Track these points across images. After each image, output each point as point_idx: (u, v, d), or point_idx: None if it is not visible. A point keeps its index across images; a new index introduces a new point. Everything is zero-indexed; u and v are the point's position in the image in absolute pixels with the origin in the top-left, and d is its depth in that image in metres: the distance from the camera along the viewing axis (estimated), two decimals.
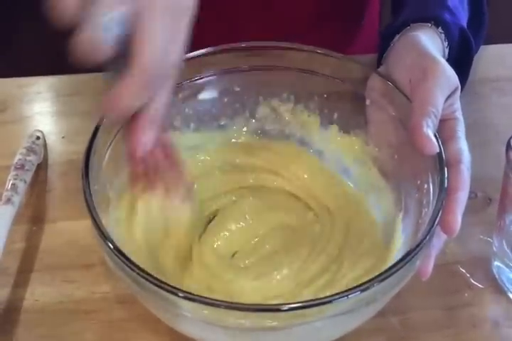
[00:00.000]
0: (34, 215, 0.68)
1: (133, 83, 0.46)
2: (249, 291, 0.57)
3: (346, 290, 0.46)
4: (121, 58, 0.45)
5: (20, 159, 0.68)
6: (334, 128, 0.67)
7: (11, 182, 0.65)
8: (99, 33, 0.43)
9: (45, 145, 0.74)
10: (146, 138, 0.49)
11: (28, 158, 0.69)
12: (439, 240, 0.54)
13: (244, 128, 0.68)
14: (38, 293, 0.62)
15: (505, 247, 0.61)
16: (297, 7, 0.87)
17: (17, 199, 0.64)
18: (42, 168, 0.72)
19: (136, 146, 0.49)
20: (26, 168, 0.67)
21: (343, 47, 0.67)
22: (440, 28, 0.65)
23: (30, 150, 0.70)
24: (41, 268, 0.63)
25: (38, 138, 0.72)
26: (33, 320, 0.60)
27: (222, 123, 0.68)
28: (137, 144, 0.49)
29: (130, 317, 0.59)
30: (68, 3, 0.43)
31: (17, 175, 0.66)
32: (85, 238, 0.63)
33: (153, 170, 0.55)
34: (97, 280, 0.62)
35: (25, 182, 0.66)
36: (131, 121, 0.49)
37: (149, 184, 0.56)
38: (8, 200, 0.63)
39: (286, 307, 0.45)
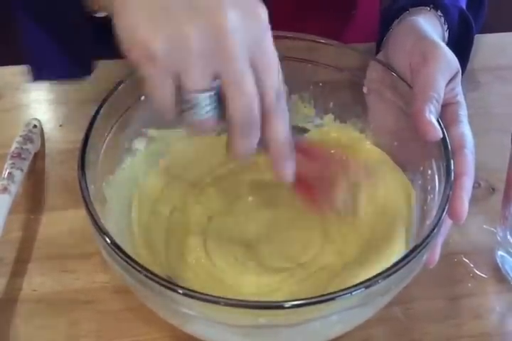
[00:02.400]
0: (31, 204, 0.67)
1: (235, 135, 0.47)
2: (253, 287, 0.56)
3: (357, 284, 0.46)
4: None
5: (16, 147, 0.67)
6: (330, 117, 0.66)
7: (7, 170, 0.64)
8: (197, 114, 0.46)
9: (42, 133, 0.73)
10: (288, 168, 0.51)
11: (24, 147, 0.68)
12: (444, 227, 0.53)
13: None
14: (36, 283, 0.61)
15: (510, 237, 0.60)
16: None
17: (14, 188, 0.63)
18: (39, 156, 0.71)
19: (286, 178, 0.51)
20: (23, 156, 0.67)
21: (333, 37, 0.67)
22: (439, 11, 0.65)
23: (27, 138, 0.69)
24: (39, 258, 0.63)
25: (34, 126, 0.71)
26: (30, 310, 0.59)
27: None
28: (285, 176, 0.51)
29: (129, 307, 0.59)
30: (166, 97, 0.45)
31: (14, 163, 0.65)
32: (83, 227, 0.61)
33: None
34: (96, 270, 0.61)
35: (22, 170, 0.65)
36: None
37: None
38: (5, 189, 0.62)
39: (289, 305, 0.45)
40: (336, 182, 0.60)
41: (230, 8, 0.44)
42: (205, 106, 0.46)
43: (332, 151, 0.62)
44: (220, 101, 0.46)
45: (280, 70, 0.48)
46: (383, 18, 0.68)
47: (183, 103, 0.46)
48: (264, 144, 0.49)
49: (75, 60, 0.71)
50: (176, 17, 0.44)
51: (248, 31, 0.45)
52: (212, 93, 0.46)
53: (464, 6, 0.69)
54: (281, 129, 0.49)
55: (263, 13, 0.47)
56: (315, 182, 0.58)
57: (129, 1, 0.45)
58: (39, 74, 0.75)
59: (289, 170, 0.51)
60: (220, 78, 0.45)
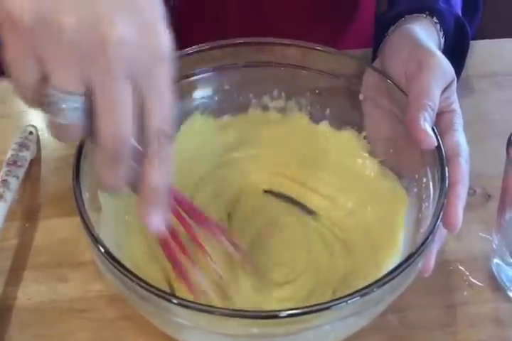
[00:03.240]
0: (27, 212, 0.67)
1: (100, 162, 0.43)
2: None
3: (352, 293, 0.46)
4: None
5: (12, 155, 0.67)
6: (325, 124, 0.66)
7: (2, 178, 0.64)
8: (62, 118, 0.40)
9: (38, 140, 0.72)
10: (156, 219, 0.45)
11: (20, 154, 0.68)
12: (439, 236, 0.53)
13: None
14: (31, 291, 0.61)
15: (505, 245, 0.60)
16: (286, 4, 0.86)
17: (9, 195, 0.63)
18: (35, 163, 0.71)
19: (151, 227, 0.45)
20: (19, 163, 0.66)
21: (334, 43, 0.67)
22: (435, 17, 0.65)
23: (22, 145, 0.69)
24: (34, 266, 0.62)
25: (30, 133, 0.71)
26: (25, 319, 0.59)
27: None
28: (153, 228, 0.45)
29: (125, 316, 0.59)
30: (27, 81, 0.40)
31: (9, 171, 0.65)
32: (79, 235, 0.61)
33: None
34: (92, 279, 0.61)
35: (17, 178, 0.65)
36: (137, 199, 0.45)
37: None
38: (0, 197, 0.62)
39: (284, 314, 0.45)
40: None
41: (127, 20, 0.39)
42: (64, 110, 0.40)
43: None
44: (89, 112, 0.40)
45: (171, 109, 0.42)
46: (379, 24, 0.68)
47: (44, 96, 0.40)
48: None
49: None
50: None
51: (142, 57, 0.40)
52: (77, 99, 0.40)
53: (460, 13, 0.69)
54: (158, 171, 0.43)
55: (165, 40, 0.41)
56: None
57: None
58: None
59: (158, 217, 0.45)
60: (91, 90, 0.40)
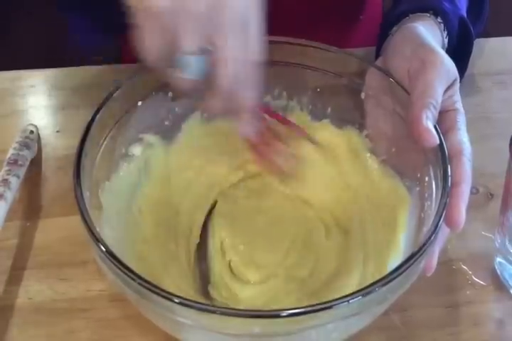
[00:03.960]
0: (28, 211, 0.67)
1: (215, 97, 0.52)
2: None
3: (354, 293, 0.45)
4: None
5: (13, 154, 0.67)
6: (327, 122, 0.66)
7: (3, 177, 0.64)
8: (185, 72, 0.50)
9: (38, 139, 0.72)
10: (250, 129, 0.57)
11: (21, 153, 0.67)
12: (442, 234, 0.53)
13: None
14: (32, 290, 0.61)
15: (508, 244, 0.60)
16: (295, 3, 0.86)
17: (10, 195, 0.62)
18: (36, 162, 0.71)
19: (246, 134, 0.57)
20: (20, 163, 0.66)
21: (342, 42, 0.67)
22: (439, 17, 0.65)
23: (23, 144, 0.69)
24: (35, 266, 0.62)
25: (31, 132, 0.71)
26: (26, 318, 0.59)
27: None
28: (245, 135, 0.57)
29: (126, 316, 0.59)
30: (153, 45, 0.49)
31: (10, 170, 0.65)
32: (80, 234, 0.61)
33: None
34: (92, 278, 0.61)
35: (18, 177, 0.65)
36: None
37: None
38: (1, 196, 0.62)
39: (285, 313, 0.44)
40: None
41: None
42: (193, 67, 0.50)
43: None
44: (206, 65, 0.50)
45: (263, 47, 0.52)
46: (383, 23, 0.68)
47: (171, 60, 0.49)
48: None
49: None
50: None
51: (244, 6, 0.50)
52: (202, 57, 0.49)
53: (465, 14, 0.69)
54: (252, 94, 0.54)
55: None
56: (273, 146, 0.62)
57: None
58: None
59: (251, 127, 0.56)
60: (211, 44, 0.49)
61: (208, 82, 0.51)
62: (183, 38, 0.49)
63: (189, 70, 0.50)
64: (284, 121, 0.64)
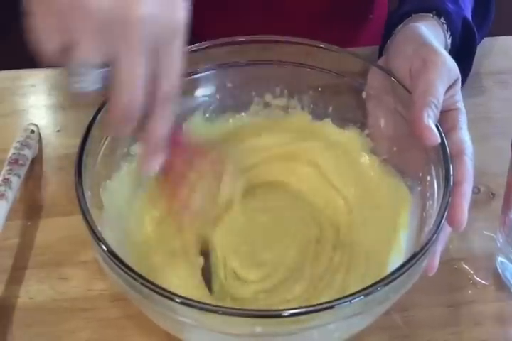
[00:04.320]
0: (29, 210, 0.67)
1: (111, 117, 0.47)
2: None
3: (356, 292, 0.45)
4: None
5: (14, 153, 0.67)
6: (328, 121, 0.66)
7: (4, 177, 0.64)
8: (76, 81, 0.45)
9: (39, 139, 0.72)
10: (154, 161, 0.51)
11: (22, 153, 0.67)
12: (444, 234, 0.53)
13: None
14: (33, 290, 0.60)
15: (510, 243, 0.60)
16: (304, 3, 0.86)
17: (11, 194, 0.62)
18: (37, 162, 0.71)
19: (147, 170, 0.52)
20: (20, 162, 0.66)
21: (350, 42, 0.67)
22: (442, 18, 0.65)
23: (24, 144, 0.69)
24: (36, 265, 0.62)
25: (32, 131, 0.71)
26: (27, 318, 0.59)
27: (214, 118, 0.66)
28: (148, 168, 0.52)
29: (127, 315, 0.58)
30: (50, 48, 0.44)
31: (11, 169, 0.65)
32: (81, 233, 0.61)
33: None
34: (94, 278, 0.61)
35: (19, 177, 0.65)
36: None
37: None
38: (2, 196, 0.62)
39: (287, 313, 0.44)
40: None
41: None
42: (85, 76, 0.45)
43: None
44: (105, 78, 0.46)
45: (180, 75, 0.48)
46: (387, 23, 0.68)
47: (70, 66, 0.45)
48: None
49: None
50: None
51: (162, 26, 0.45)
52: (97, 70, 0.45)
53: (470, 16, 0.69)
54: (162, 123, 0.49)
55: (181, 15, 0.46)
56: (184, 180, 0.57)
57: None
58: None
59: (156, 161, 0.51)
60: (112, 60, 0.44)
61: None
62: (79, 45, 0.43)
63: (83, 81, 0.45)
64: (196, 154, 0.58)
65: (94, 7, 0.42)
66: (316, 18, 0.88)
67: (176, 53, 0.47)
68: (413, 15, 0.65)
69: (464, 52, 0.68)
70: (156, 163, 0.51)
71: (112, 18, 0.42)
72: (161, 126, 0.49)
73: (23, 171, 0.66)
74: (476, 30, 0.69)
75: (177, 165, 0.55)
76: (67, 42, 0.43)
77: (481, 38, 0.75)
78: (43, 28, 0.43)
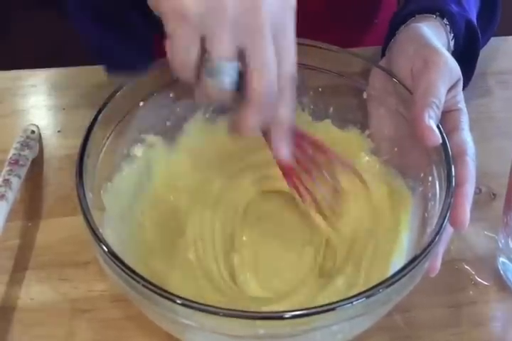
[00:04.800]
0: (29, 211, 0.66)
1: (249, 110, 0.49)
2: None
3: (358, 294, 0.45)
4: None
5: (14, 154, 0.67)
6: (328, 122, 0.66)
7: (4, 177, 0.64)
8: (218, 80, 0.47)
9: (40, 139, 0.72)
10: (284, 150, 0.53)
11: (22, 153, 0.67)
12: (446, 235, 0.53)
13: None
14: (34, 291, 0.60)
15: (511, 243, 0.60)
16: (306, 7, 0.86)
17: (11, 195, 0.62)
18: (37, 162, 0.70)
19: (283, 156, 0.53)
20: (21, 163, 0.66)
21: (355, 44, 0.67)
22: (445, 19, 0.65)
23: (24, 144, 0.69)
24: (36, 266, 0.62)
25: (32, 132, 0.71)
26: (28, 319, 0.59)
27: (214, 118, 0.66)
28: (282, 155, 0.53)
29: (128, 316, 0.58)
30: (190, 60, 0.47)
31: (11, 170, 0.65)
32: (82, 234, 0.61)
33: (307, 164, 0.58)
34: (94, 279, 0.61)
35: (19, 177, 0.65)
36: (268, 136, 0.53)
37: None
38: (2, 196, 0.61)
39: (289, 315, 0.44)
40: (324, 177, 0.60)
41: None
42: (226, 75, 0.47)
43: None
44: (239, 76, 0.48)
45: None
46: (391, 23, 0.68)
47: (204, 70, 0.47)
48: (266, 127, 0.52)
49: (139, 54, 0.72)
50: None
51: (279, 12, 0.48)
52: (235, 64, 0.47)
53: (474, 18, 0.68)
54: (289, 110, 0.51)
55: (292, 2, 0.49)
56: (305, 172, 0.58)
57: None
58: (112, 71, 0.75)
59: (287, 148, 0.53)
60: (244, 52, 0.47)
61: (240, 93, 0.49)
62: (215, 44, 0.46)
63: (221, 79, 0.47)
64: (324, 150, 0.59)
65: (226, 5, 0.46)
66: (319, 20, 0.87)
67: (291, 35, 0.49)
68: (416, 16, 0.65)
69: (467, 55, 0.68)
70: (288, 150, 0.52)
71: (241, 13, 0.46)
72: (290, 110, 0.51)
73: (23, 172, 0.66)
74: (480, 33, 0.68)
75: (298, 156, 0.57)
76: (204, 46, 0.47)
77: (486, 42, 0.75)
78: (182, 40, 0.47)
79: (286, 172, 0.57)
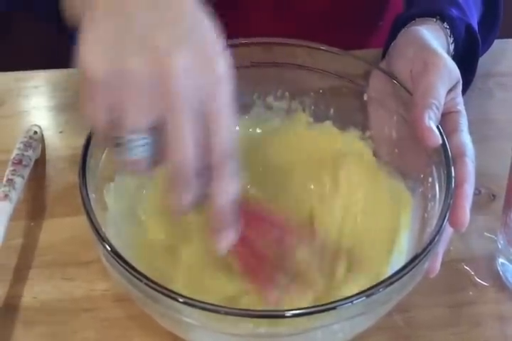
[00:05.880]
0: (32, 211, 0.67)
1: (171, 189, 0.45)
2: None
3: (358, 293, 0.46)
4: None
5: (17, 154, 0.67)
6: (329, 124, 0.66)
7: (8, 177, 0.64)
8: (128, 153, 0.44)
9: (42, 140, 0.72)
10: (225, 239, 0.47)
11: (25, 153, 0.68)
12: (446, 235, 0.53)
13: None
14: (37, 290, 0.61)
15: (510, 244, 0.60)
16: (311, 8, 0.87)
17: (14, 195, 0.63)
18: (40, 163, 0.71)
19: (220, 249, 0.48)
20: (24, 163, 0.67)
21: (359, 46, 0.67)
22: (445, 23, 0.65)
23: (27, 145, 0.69)
24: (39, 265, 0.62)
25: (35, 132, 0.71)
26: (31, 317, 0.59)
27: None
28: (219, 247, 0.48)
29: (130, 315, 0.59)
30: (100, 124, 0.44)
31: (15, 170, 0.65)
32: (84, 234, 0.61)
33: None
34: (97, 278, 0.61)
35: (22, 177, 0.65)
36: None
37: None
38: (6, 196, 0.62)
39: (289, 314, 0.45)
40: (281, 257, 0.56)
41: (184, 51, 0.42)
42: (137, 147, 0.44)
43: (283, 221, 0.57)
44: (159, 143, 0.44)
45: (233, 129, 0.45)
46: (392, 26, 0.68)
47: (116, 138, 0.44)
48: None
49: None
50: (127, 49, 0.42)
51: (199, 80, 0.43)
52: (146, 136, 0.44)
53: (475, 23, 0.69)
54: (223, 192, 0.45)
55: (222, 63, 0.44)
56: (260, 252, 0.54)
57: (90, 29, 0.43)
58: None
59: (223, 239, 0.47)
60: (160, 124, 0.43)
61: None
62: (125, 115, 0.43)
63: (133, 150, 0.44)
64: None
65: (134, 74, 0.42)
66: (324, 20, 0.88)
67: (223, 109, 0.44)
68: (417, 19, 0.66)
69: (467, 60, 0.68)
70: (228, 241, 0.47)
71: (151, 79, 0.42)
72: (225, 189, 0.45)
73: (26, 172, 0.66)
74: (480, 39, 0.69)
75: (250, 237, 0.52)
76: (115, 115, 0.43)
77: (486, 49, 0.75)
78: (91, 107, 0.43)
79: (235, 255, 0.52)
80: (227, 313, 0.45)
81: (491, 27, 0.75)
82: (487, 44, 0.74)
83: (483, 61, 0.77)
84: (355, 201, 0.63)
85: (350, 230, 0.62)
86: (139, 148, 0.44)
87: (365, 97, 0.63)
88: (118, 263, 0.47)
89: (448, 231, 0.53)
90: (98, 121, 0.44)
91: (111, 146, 0.45)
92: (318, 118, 0.67)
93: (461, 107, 0.59)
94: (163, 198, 0.47)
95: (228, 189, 0.45)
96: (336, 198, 0.64)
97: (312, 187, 0.65)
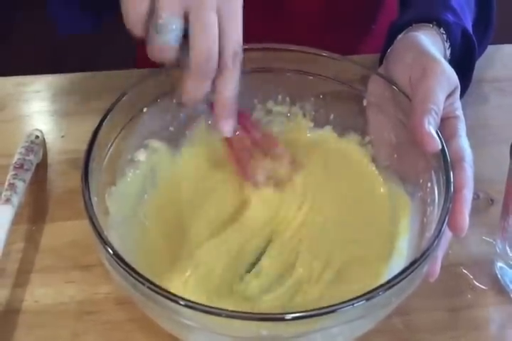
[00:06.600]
0: (34, 215, 0.67)
1: (190, 77, 0.52)
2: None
3: (358, 297, 0.46)
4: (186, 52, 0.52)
5: (19, 158, 0.68)
6: (329, 129, 0.67)
7: (10, 181, 0.64)
8: (162, 37, 0.51)
9: (44, 144, 0.73)
10: (227, 124, 0.56)
11: (27, 158, 0.68)
12: (445, 239, 0.53)
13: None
14: (38, 294, 0.61)
15: (509, 248, 0.60)
16: (306, 11, 0.87)
17: (16, 199, 0.63)
18: (41, 167, 0.71)
19: (224, 132, 0.56)
20: (25, 167, 0.67)
21: (352, 51, 0.68)
22: (442, 28, 0.66)
23: (29, 149, 0.69)
24: (41, 269, 0.63)
25: (37, 137, 0.72)
26: (33, 321, 0.59)
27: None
28: (223, 131, 0.56)
29: (132, 318, 0.59)
30: (140, 15, 0.51)
31: (16, 174, 0.66)
32: (85, 238, 0.61)
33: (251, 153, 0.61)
34: (98, 281, 0.61)
35: (24, 181, 0.65)
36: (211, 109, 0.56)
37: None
38: (7, 200, 0.62)
39: (290, 317, 0.45)
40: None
41: None
42: (170, 31, 0.51)
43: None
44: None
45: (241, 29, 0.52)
46: (389, 32, 0.69)
47: (152, 25, 0.51)
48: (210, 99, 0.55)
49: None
50: None
51: None
52: (179, 21, 0.50)
53: (470, 27, 0.69)
54: (230, 85, 0.54)
55: None
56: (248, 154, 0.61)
57: None
58: (63, 28, 0.80)
59: (229, 125, 0.56)
60: (187, 15, 0.50)
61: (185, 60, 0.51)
62: (163, 2, 0.50)
63: (166, 35, 0.51)
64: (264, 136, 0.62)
65: None
66: (314, 22, 0.88)
67: (237, 10, 0.52)
68: (413, 25, 0.66)
69: (463, 65, 0.69)
70: (229, 127, 0.55)
71: None
72: (230, 86, 0.53)
73: (28, 176, 0.67)
74: (476, 42, 0.69)
75: (245, 140, 0.60)
76: (151, 5, 0.50)
77: (481, 53, 0.76)
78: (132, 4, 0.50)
79: (230, 146, 0.60)
80: (228, 316, 0.45)
81: (485, 30, 0.76)
82: (482, 47, 0.74)
83: (480, 66, 0.78)
84: (355, 205, 0.64)
85: (350, 233, 0.62)
86: (168, 34, 0.51)
87: (365, 103, 0.63)
88: (120, 266, 0.48)
89: (447, 235, 0.53)
90: (138, 8, 0.50)
91: (146, 32, 0.51)
92: (319, 123, 0.67)
93: (460, 112, 0.59)
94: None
95: (232, 85, 0.54)
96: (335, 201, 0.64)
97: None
